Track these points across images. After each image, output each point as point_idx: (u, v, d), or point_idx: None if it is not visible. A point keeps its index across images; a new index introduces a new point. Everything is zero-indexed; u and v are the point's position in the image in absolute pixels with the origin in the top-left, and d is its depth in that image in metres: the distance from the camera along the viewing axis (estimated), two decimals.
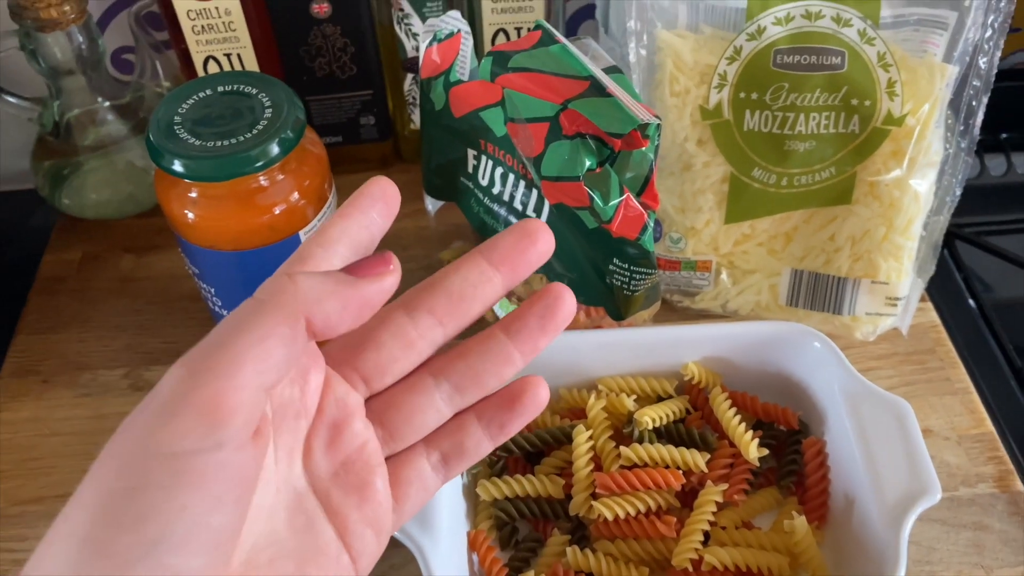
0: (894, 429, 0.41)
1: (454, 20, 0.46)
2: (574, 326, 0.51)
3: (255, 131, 0.42)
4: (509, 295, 0.53)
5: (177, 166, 0.42)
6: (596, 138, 0.39)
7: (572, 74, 0.40)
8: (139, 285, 0.61)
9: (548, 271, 0.49)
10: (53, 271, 0.62)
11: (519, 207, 0.48)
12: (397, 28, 0.59)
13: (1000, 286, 0.67)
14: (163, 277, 0.61)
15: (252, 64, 0.59)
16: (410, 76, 0.62)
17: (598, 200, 0.40)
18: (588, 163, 0.39)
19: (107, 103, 0.61)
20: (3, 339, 0.58)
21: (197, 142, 0.42)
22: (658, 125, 0.39)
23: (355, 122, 0.64)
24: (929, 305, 0.59)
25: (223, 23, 0.56)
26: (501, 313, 0.54)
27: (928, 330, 0.57)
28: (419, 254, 0.62)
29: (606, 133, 0.38)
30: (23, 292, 0.61)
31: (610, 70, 0.42)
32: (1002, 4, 0.47)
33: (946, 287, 0.65)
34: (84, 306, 0.60)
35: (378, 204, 0.28)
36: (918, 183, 0.50)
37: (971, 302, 0.64)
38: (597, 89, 0.39)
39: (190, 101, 0.44)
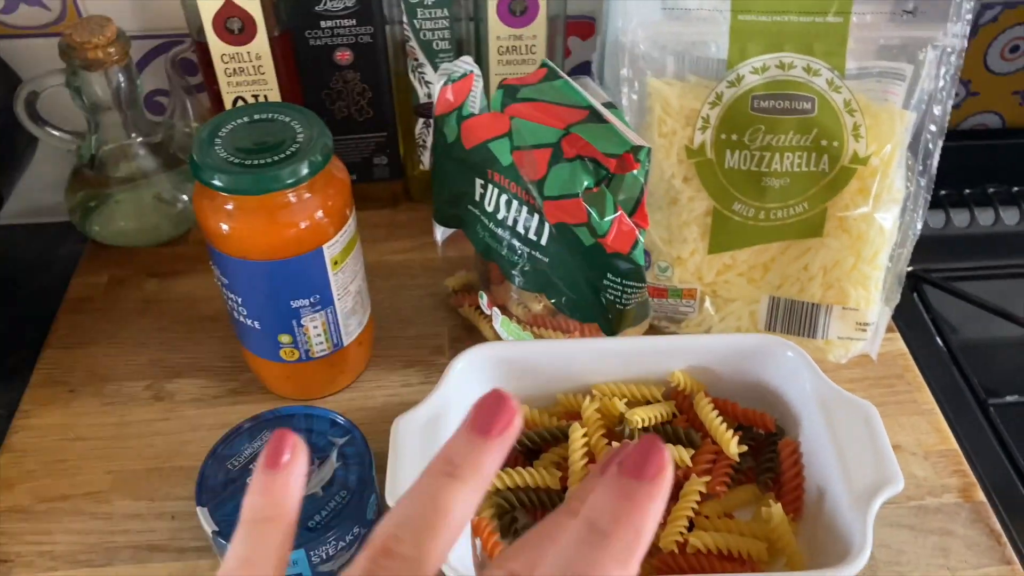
0: (862, 428, 0.45)
1: (466, 64, 0.52)
2: None
3: (287, 153, 0.47)
4: (510, 316, 0.58)
5: (216, 180, 0.46)
6: (593, 160, 0.44)
7: (573, 104, 0.45)
8: (162, 306, 0.65)
9: (549, 290, 0.53)
10: (81, 292, 0.66)
11: (522, 231, 0.52)
12: (412, 76, 0.64)
13: (965, 328, 0.72)
14: (185, 299, 0.66)
15: None
16: (421, 121, 0.67)
17: (595, 215, 0.45)
18: (586, 182, 0.45)
19: (140, 139, 0.66)
20: (32, 354, 0.62)
21: (235, 160, 0.47)
22: (648, 150, 0.45)
23: (369, 161, 0.69)
24: (897, 335, 0.63)
25: (253, 67, 0.62)
26: (504, 332, 0.58)
27: (897, 357, 0.62)
28: (427, 282, 0.67)
29: (603, 154, 0.44)
30: (52, 315, 0.65)
31: (607, 105, 0.47)
32: (952, 58, 0.53)
33: (916, 327, 0.70)
34: (110, 324, 0.64)
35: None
36: (883, 217, 0.55)
37: (939, 341, 0.68)
38: (596, 117, 0.44)
39: (229, 126, 0.49)
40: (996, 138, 0.82)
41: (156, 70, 0.71)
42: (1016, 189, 0.81)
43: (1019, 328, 0.70)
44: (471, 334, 0.62)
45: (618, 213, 0.45)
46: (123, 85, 0.63)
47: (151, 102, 0.73)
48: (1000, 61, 0.77)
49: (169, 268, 0.68)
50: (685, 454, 0.46)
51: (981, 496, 0.53)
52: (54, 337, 0.63)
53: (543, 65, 0.48)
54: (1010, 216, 0.79)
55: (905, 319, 0.69)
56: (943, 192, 0.81)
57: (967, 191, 0.81)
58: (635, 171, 0.45)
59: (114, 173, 0.66)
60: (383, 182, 0.71)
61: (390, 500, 0.43)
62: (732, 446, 0.46)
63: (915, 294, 0.73)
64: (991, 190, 0.81)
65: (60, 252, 0.73)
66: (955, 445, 0.56)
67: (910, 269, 0.74)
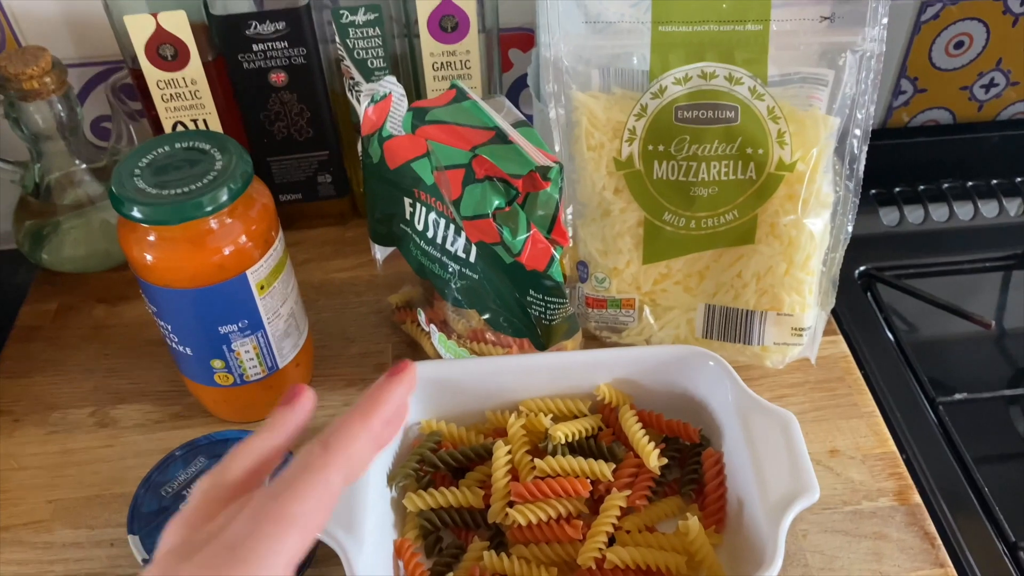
0: (780, 438, 0.45)
1: (388, 84, 0.52)
2: None
3: (206, 180, 0.48)
4: (449, 333, 0.58)
5: (136, 212, 0.47)
6: (502, 180, 0.44)
7: (480, 125, 0.45)
8: (110, 332, 0.66)
9: (481, 307, 0.54)
10: (30, 320, 0.67)
11: (450, 248, 0.53)
12: (349, 94, 0.65)
13: (920, 325, 0.72)
14: (133, 325, 0.66)
15: (217, 128, 0.64)
16: None
17: (507, 235, 0.45)
18: (497, 202, 0.45)
19: (84, 166, 0.66)
20: None
21: (154, 191, 0.47)
22: (559, 168, 0.45)
23: (313, 180, 0.70)
24: (840, 338, 0.63)
25: (190, 92, 0.62)
26: (442, 350, 0.58)
27: (838, 360, 0.62)
28: (372, 299, 0.67)
29: (508, 175, 0.44)
30: (2, 344, 0.66)
31: (519, 124, 0.47)
32: (872, 62, 0.53)
33: (868, 326, 0.70)
34: (58, 351, 0.64)
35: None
36: (813, 223, 0.55)
37: (891, 339, 0.68)
38: (500, 137, 0.44)
39: (149, 156, 0.49)
40: (947, 134, 0.82)
41: (100, 96, 0.71)
42: (970, 184, 0.81)
43: (972, 324, 0.70)
44: (414, 351, 0.62)
45: (531, 232, 0.45)
46: (63, 114, 0.63)
47: (98, 128, 0.73)
48: (945, 57, 0.77)
49: (119, 293, 0.69)
50: (606, 468, 0.46)
51: (917, 499, 0.53)
52: (1, 366, 0.63)
53: (452, 86, 0.48)
54: (964, 212, 0.79)
55: (857, 318, 0.69)
56: (897, 190, 0.81)
57: (921, 188, 0.81)
58: (547, 189, 0.45)
59: (61, 201, 0.67)
60: (330, 200, 0.71)
61: None
62: (652, 459, 0.46)
63: (868, 293, 0.73)
64: (945, 186, 0.81)
65: (15, 280, 0.73)
66: (893, 448, 0.56)
67: (864, 268, 0.74)
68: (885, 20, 0.51)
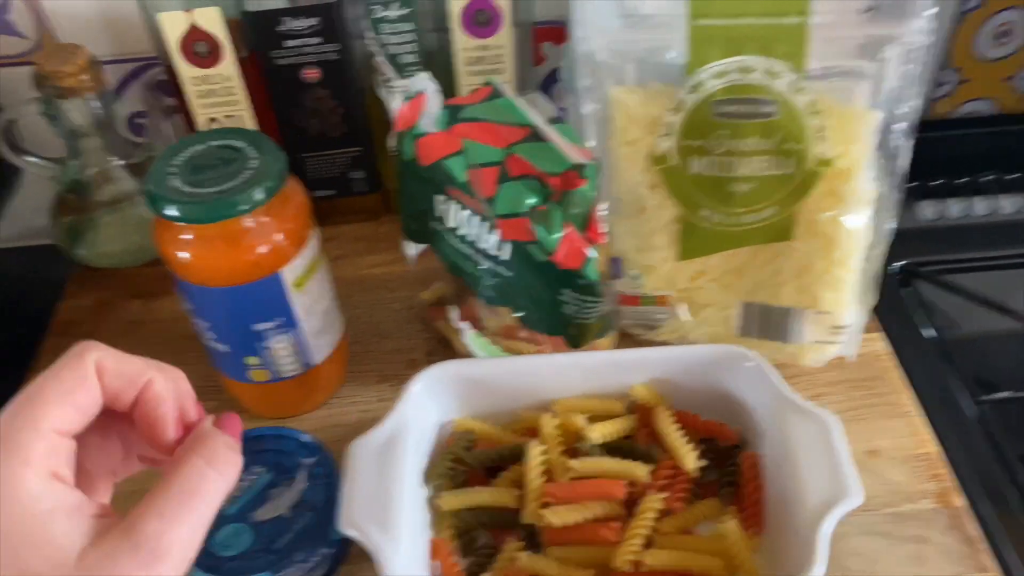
0: (820, 440, 0.44)
1: (422, 81, 0.52)
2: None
3: (242, 178, 0.48)
4: (481, 330, 0.58)
5: (172, 211, 0.47)
6: (537, 178, 0.44)
7: (515, 123, 0.45)
8: (146, 327, 0.66)
9: (515, 304, 0.53)
10: (68, 316, 0.68)
11: (483, 247, 0.52)
12: (381, 90, 0.64)
13: (961, 322, 0.71)
14: (168, 320, 0.66)
15: (251, 125, 0.65)
16: None
17: (542, 233, 0.45)
18: (531, 200, 0.44)
19: (121, 162, 0.67)
20: (18, 381, 0.63)
21: (189, 189, 0.47)
22: (594, 165, 0.44)
23: (346, 176, 0.70)
24: (878, 335, 0.62)
25: (224, 88, 0.63)
26: (474, 347, 0.58)
27: (878, 358, 0.61)
28: (405, 295, 0.67)
29: (543, 173, 0.43)
30: (38, 340, 0.66)
31: (553, 120, 0.47)
32: (917, 56, 0.51)
33: (907, 323, 0.68)
34: None
35: None
36: (853, 219, 0.54)
37: (930, 336, 0.67)
38: (535, 136, 0.44)
39: (185, 154, 0.49)
40: (990, 125, 0.80)
41: (136, 93, 0.71)
42: (1013, 177, 0.79)
43: (1015, 321, 0.68)
44: (447, 347, 0.62)
45: (566, 231, 0.45)
46: (99, 111, 0.63)
47: (134, 124, 0.74)
48: (989, 48, 0.75)
49: (154, 288, 0.69)
50: (643, 470, 0.45)
51: (958, 501, 0.52)
52: (41, 362, 0.64)
53: (488, 83, 0.48)
54: (1007, 204, 0.77)
55: (896, 315, 0.68)
56: (937, 183, 0.79)
57: (962, 180, 0.79)
58: (583, 187, 0.44)
59: (97, 197, 0.67)
60: (362, 196, 0.71)
61: (343, 526, 0.43)
62: (690, 460, 0.45)
63: (907, 289, 0.71)
64: (987, 179, 0.79)
65: (51, 275, 0.74)
66: (934, 448, 0.55)
67: (903, 263, 0.73)
68: (930, 12, 0.50)
